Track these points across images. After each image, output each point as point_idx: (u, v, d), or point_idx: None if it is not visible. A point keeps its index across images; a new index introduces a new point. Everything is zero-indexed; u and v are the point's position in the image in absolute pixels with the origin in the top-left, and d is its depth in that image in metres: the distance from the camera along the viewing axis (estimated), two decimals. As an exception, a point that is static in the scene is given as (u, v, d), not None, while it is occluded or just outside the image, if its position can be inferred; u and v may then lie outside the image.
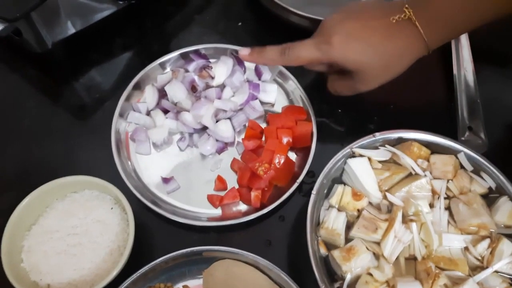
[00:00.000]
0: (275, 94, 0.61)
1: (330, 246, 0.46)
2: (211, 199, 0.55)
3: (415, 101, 0.65)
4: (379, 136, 0.51)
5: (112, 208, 0.49)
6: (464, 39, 0.68)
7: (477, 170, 0.50)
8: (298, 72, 0.62)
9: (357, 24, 0.48)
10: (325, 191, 0.49)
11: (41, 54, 0.62)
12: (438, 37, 0.49)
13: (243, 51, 0.52)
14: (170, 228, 0.54)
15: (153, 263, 0.47)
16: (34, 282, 0.44)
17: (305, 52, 0.49)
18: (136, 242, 0.49)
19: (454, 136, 0.60)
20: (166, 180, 0.55)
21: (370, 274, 0.44)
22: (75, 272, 0.45)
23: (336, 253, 0.44)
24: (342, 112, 0.63)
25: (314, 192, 0.47)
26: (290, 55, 0.50)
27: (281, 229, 0.55)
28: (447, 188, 0.48)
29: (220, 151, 0.58)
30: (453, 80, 0.64)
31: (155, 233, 0.54)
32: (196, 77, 0.58)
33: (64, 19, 0.58)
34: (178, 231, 0.53)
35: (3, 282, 0.44)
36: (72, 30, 0.59)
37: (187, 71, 0.60)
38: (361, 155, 0.50)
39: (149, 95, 0.59)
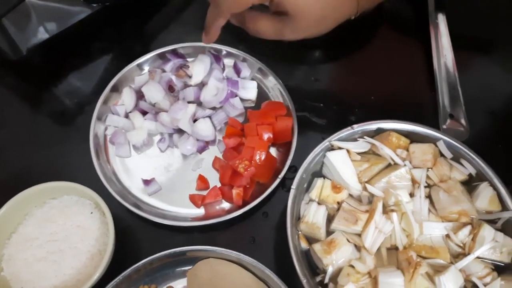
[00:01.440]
0: (255, 91, 0.61)
1: (311, 240, 0.46)
2: (193, 199, 0.54)
3: (396, 92, 0.65)
4: (358, 128, 0.50)
5: (92, 213, 0.48)
6: (443, 27, 0.68)
7: (457, 157, 0.50)
8: (278, 67, 0.62)
9: None
10: (305, 185, 0.49)
11: (18, 61, 0.61)
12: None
13: (203, 38, 0.53)
14: (153, 230, 0.53)
15: (136, 265, 0.47)
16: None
17: None
18: (119, 245, 0.49)
19: (436, 125, 0.61)
20: (147, 182, 0.55)
21: (352, 266, 0.43)
22: (56, 278, 0.45)
23: (317, 247, 0.44)
24: (323, 106, 0.63)
25: (293, 187, 0.47)
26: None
27: (265, 226, 0.54)
28: (427, 177, 0.48)
29: (201, 150, 0.57)
30: (433, 68, 0.65)
31: (139, 235, 0.54)
32: (173, 77, 0.58)
33: (37, 25, 0.57)
34: (161, 232, 0.53)
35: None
36: (46, 35, 0.59)
37: (164, 71, 0.59)
38: (339, 148, 0.50)
39: (127, 97, 0.58)
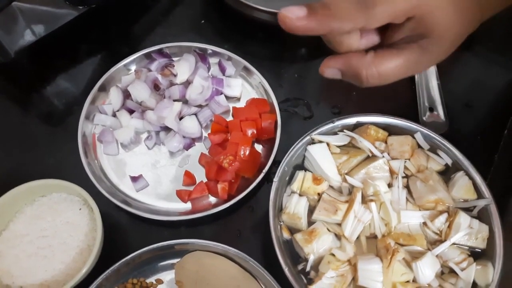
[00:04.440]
0: (240, 89, 0.63)
1: (293, 230, 0.48)
2: (180, 194, 0.56)
3: (377, 87, 0.66)
4: (337, 122, 0.52)
5: (80, 209, 0.50)
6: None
7: (434, 148, 0.52)
8: (263, 66, 0.64)
9: None
10: (287, 178, 0.50)
11: (6, 64, 0.62)
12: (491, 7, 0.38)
13: (292, 13, 0.32)
14: (141, 225, 0.55)
15: (125, 259, 0.49)
16: (7, 286, 0.45)
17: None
18: (108, 241, 0.50)
19: (416, 119, 0.62)
20: (134, 179, 0.56)
21: (332, 254, 0.45)
22: (46, 273, 0.46)
23: (298, 236, 0.46)
24: (306, 102, 0.64)
25: (275, 179, 0.48)
26: (376, 10, 0.31)
27: (250, 220, 0.56)
28: (405, 167, 0.50)
29: (187, 147, 0.59)
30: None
31: (127, 231, 0.55)
32: (159, 76, 0.59)
33: (24, 27, 0.58)
34: (150, 227, 0.54)
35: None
36: (33, 38, 0.60)
37: (150, 70, 0.61)
38: (320, 141, 0.51)
39: (114, 97, 0.59)
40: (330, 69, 0.37)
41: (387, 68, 0.35)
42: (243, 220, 0.56)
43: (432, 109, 0.62)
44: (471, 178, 0.49)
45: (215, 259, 0.51)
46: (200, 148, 0.59)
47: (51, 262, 0.46)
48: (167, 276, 0.50)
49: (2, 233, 0.48)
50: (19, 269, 0.46)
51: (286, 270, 0.43)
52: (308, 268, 0.45)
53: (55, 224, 0.48)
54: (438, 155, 0.51)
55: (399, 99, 0.66)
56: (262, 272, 0.47)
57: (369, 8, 0.31)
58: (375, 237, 0.47)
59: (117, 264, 0.48)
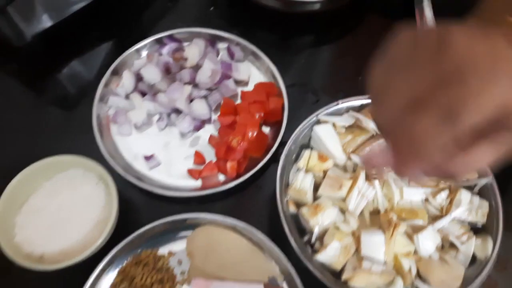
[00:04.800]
0: (248, 73, 0.64)
1: (299, 205, 0.50)
2: (191, 173, 0.58)
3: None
4: (342, 103, 0.54)
5: (96, 184, 0.52)
6: (429, 12, 0.71)
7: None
8: (271, 51, 0.65)
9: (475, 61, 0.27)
10: (294, 157, 0.52)
11: (21, 49, 0.64)
12: None
13: (377, 161, 0.32)
14: (153, 202, 0.57)
15: (138, 231, 0.51)
16: (28, 254, 0.48)
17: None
18: (122, 215, 0.52)
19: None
20: (147, 158, 0.58)
21: (337, 227, 0.47)
22: (65, 242, 0.48)
23: (304, 210, 0.48)
24: (313, 87, 0.66)
25: (282, 156, 0.50)
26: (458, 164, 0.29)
27: (258, 197, 0.58)
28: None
29: (197, 128, 0.61)
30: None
31: (140, 207, 0.57)
32: (170, 60, 0.61)
33: (41, 12, 0.60)
34: (161, 204, 0.57)
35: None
36: (49, 23, 0.62)
37: (161, 54, 0.63)
38: (326, 122, 0.53)
39: (127, 80, 0.62)
40: (413, 173, 0.31)
41: (476, 162, 0.30)
42: (251, 197, 0.58)
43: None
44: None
45: (225, 233, 0.53)
46: (210, 130, 0.61)
47: (69, 233, 0.49)
48: (179, 249, 0.53)
49: (22, 206, 0.51)
50: (39, 239, 0.48)
51: (292, 240, 0.46)
52: (313, 240, 0.47)
53: (72, 198, 0.51)
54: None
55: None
56: (269, 244, 0.50)
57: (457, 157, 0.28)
58: (378, 212, 0.49)
59: (131, 236, 0.51)
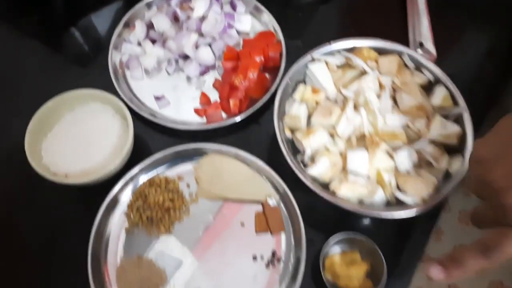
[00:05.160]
0: (250, 24, 0.70)
1: (294, 131, 0.56)
2: (198, 112, 0.64)
3: (374, 27, 0.74)
4: (334, 43, 0.60)
5: (113, 116, 0.58)
6: None
7: (418, 67, 0.59)
8: (272, 6, 0.71)
9: None
10: (290, 91, 0.58)
11: (40, 5, 0.70)
12: None
13: (436, 273, 0.39)
14: (163, 137, 0.63)
15: (152, 156, 0.58)
16: (54, 173, 0.54)
17: None
18: (136, 147, 0.59)
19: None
20: (158, 98, 0.65)
21: (327, 148, 0.53)
22: (86, 164, 0.55)
23: (298, 134, 0.54)
24: (310, 37, 0.72)
25: (280, 88, 0.56)
26: (497, 255, 0.36)
27: (258, 133, 0.64)
28: (392, 82, 0.58)
29: (203, 73, 0.67)
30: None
31: (151, 141, 0.63)
32: (178, 10, 0.67)
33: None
34: (171, 139, 0.63)
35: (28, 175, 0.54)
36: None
37: (169, 5, 0.69)
38: (319, 60, 0.59)
39: (139, 28, 0.68)
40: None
41: None
42: (251, 132, 0.64)
43: (422, 44, 0.69)
44: (449, 89, 0.56)
45: (228, 160, 0.59)
46: (214, 75, 0.68)
47: (90, 156, 0.55)
48: (187, 174, 0.59)
49: (47, 133, 0.57)
50: (63, 161, 0.55)
51: (288, 159, 0.52)
52: (306, 159, 0.53)
53: (92, 126, 0.57)
54: (421, 72, 0.59)
55: (392, 37, 0.73)
56: (267, 169, 0.56)
57: (488, 257, 0.36)
58: (364, 137, 0.55)
59: (145, 160, 0.57)
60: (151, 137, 0.63)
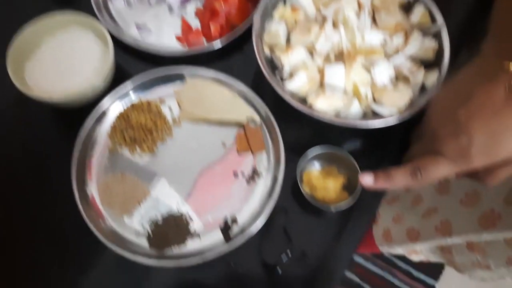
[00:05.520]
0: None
1: (273, 48, 0.56)
2: (179, 39, 0.64)
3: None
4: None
5: (94, 41, 0.58)
6: None
7: (399, -13, 0.59)
8: None
9: (479, 119, 0.41)
10: (270, 11, 0.58)
11: None
12: None
13: (367, 180, 0.48)
14: (145, 64, 0.63)
15: (133, 78, 0.58)
16: (38, 95, 0.55)
17: (441, 172, 0.44)
18: (117, 75, 0.59)
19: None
20: (139, 27, 0.65)
21: (305, 64, 0.54)
22: (69, 85, 0.55)
23: (277, 51, 0.55)
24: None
25: (261, 6, 0.56)
26: (424, 178, 0.44)
27: (242, 61, 0.64)
28: (371, 3, 0.57)
29: (184, 2, 0.67)
30: None
31: (133, 69, 0.63)
32: None
33: None
34: (152, 65, 0.63)
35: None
36: None
37: None
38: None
39: (119, -44, 0.67)
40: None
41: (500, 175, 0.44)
42: (235, 60, 0.64)
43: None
44: (428, 7, 0.56)
45: (210, 84, 0.60)
46: (196, 4, 0.67)
47: (73, 77, 0.56)
48: (169, 98, 0.60)
49: (30, 56, 0.57)
50: (47, 83, 0.56)
51: (266, 75, 0.52)
52: (284, 75, 0.54)
53: (74, 49, 0.57)
54: (402, -8, 0.59)
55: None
56: (248, 91, 0.57)
57: (416, 177, 0.44)
58: (342, 54, 0.55)
59: (126, 81, 0.58)
60: (133, 65, 0.64)
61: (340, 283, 1.44)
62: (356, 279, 1.43)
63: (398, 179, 0.46)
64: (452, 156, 0.43)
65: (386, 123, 0.50)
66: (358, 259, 1.45)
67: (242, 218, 0.54)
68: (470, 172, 0.45)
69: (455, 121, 0.43)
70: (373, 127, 0.50)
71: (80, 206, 0.52)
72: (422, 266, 1.42)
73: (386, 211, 0.82)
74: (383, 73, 0.52)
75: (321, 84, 0.53)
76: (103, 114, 0.58)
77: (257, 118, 0.58)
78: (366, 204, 0.55)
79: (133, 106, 0.58)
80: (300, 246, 0.54)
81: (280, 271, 0.53)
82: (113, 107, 0.59)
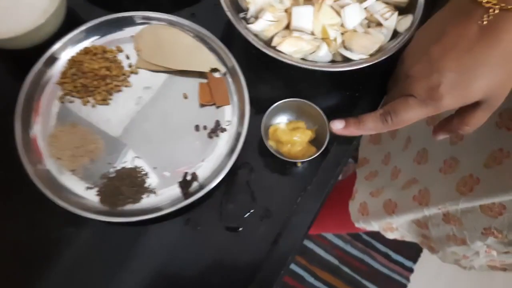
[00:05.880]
0: None
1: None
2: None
3: None
4: None
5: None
6: None
7: None
8: None
9: (452, 56, 0.38)
10: None
11: None
12: None
13: (337, 125, 0.46)
14: (101, 9, 0.57)
15: (87, 23, 0.54)
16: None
17: (411, 115, 0.41)
18: (69, 20, 0.54)
19: None
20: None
21: (272, 5, 0.50)
22: (14, 23, 0.50)
23: (240, -9, 0.51)
24: None
25: None
26: (394, 122, 0.43)
27: (206, 6, 0.59)
28: None
29: None
30: None
31: (85, 15, 0.58)
32: None
33: None
34: (110, 11, 0.58)
35: None
36: None
37: None
38: None
39: None
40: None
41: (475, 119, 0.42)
42: (197, 4, 0.59)
43: None
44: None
45: (171, 30, 0.56)
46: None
47: (19, 16, 0.51)
48: (127, 46, 0.55)
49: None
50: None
51: (228, 13, 0.48)
52: (248, 16, 0.50)
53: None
54: None
55: None
56: (212, 37, 0.53)
57: (386, 122, 0.43)
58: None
59: (80, 26, 0.53)
60: (89, 9, 0.58)
61: (320, 266, 1.42)
62: (335, 261, 1.41)
63: (368, 124, 0.44)
64: (422, 97, 0.40)
65: (353, 66, 0.47)
66: (337, 241, 1.43)
67: (202, 174, 0.51)
68: (445, 123, 0.43)
69: (428, 60, 0.40)
70: (340, 70, 0.47)
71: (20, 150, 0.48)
72: (400, 248, 1.41)
73: (364, 187, 0.79)
74: (354, 16, 0.49)
75: (288, 27, 0.49)
76: (54, 59, 0.53)
77: (222, 68, 0.54)
78: (333, 158, 0.51)
79: (86, 51, 0.53)
80: (264, 203, 0.51)
81: (241, 229, 0.49)
82: (66, 53, 0.54)
